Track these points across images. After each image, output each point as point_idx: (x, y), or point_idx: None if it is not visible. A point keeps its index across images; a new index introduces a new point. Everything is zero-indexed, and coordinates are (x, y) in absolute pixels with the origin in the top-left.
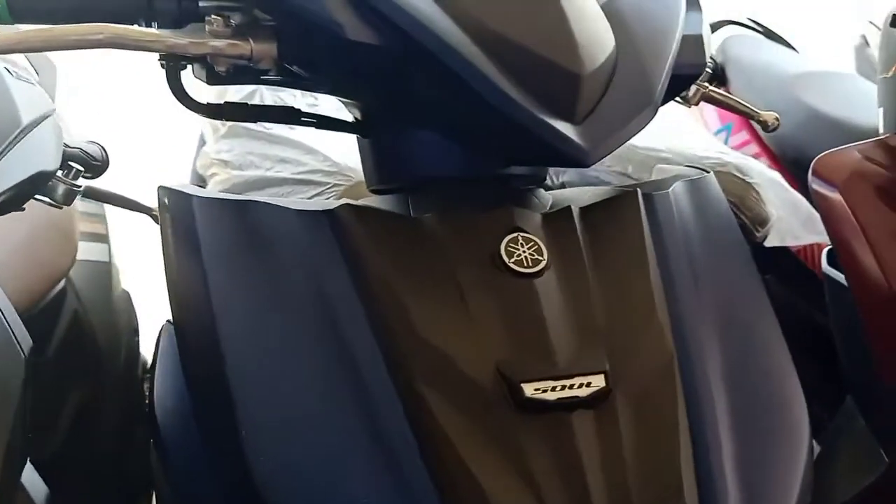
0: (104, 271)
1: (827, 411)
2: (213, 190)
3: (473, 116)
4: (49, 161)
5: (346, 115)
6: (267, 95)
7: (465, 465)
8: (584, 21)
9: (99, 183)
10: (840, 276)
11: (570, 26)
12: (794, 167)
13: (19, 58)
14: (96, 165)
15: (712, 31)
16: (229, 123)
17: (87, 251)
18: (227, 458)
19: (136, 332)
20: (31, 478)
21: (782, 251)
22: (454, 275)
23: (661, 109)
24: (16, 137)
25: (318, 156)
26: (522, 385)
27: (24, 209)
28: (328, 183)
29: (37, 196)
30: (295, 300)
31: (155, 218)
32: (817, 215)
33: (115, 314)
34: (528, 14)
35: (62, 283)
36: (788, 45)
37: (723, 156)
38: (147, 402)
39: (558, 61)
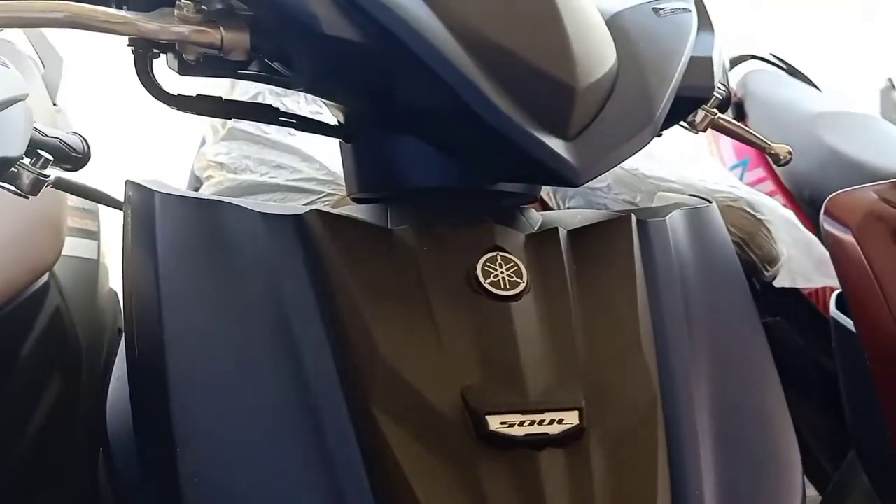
0: (91, 269)
1: (832, 462)
2: (206, 192)
3: (458, 125)
4: (13, 147)
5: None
6: (270, 99)
7: (416, 500)
8: (584, 32)
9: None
10: (848, 322)
11: (568, 36)
12: (810, 207)
13: (28, 49)
14: (76, 157)
15: (734, 65)
16: (229, 126)
17: (74, 247)
18: (162, 475)
19: (120, 331)
20: None
21: (792, 293)
22: (424, 292)
23: (675, 140)
24: None
25: (315, 164)
26: (487, 417)
27: None
28: (321, 192)
29: None
30: (249, 308)
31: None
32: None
33: (99, 312)
34: (523, 20)
35: (45, 277)
36: (811, 83)
37: (734, 190)
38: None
39: (552, 72)
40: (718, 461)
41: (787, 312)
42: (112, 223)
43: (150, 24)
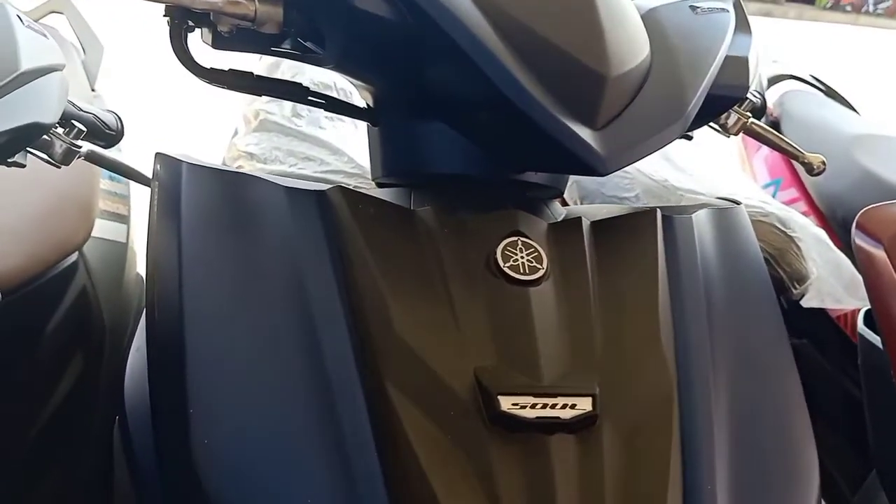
0: (119, 252)
1: (850, 487)
2: None
3: (486, 109)
4: (47, 114)
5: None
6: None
7: (425, 477)
8: (618, 22)
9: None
10: (876, 339)
11: (601, 25)
12: (842, 229)
13: (69, 34)
14: (110, 135)
15: (772, 84)
16: (261, 117)
17: (104, 229)
18: (174, 439)
19: None
20: None
21: (819, 314)
22: (443, 272)
23: (707, 153)
24: (11, 82)
25: (343, 156)
26: (499, 397)
27: (24, 166)
28: (349, 185)
29: (32, 150)
30: (268, 280)
31: None
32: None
33: (125, 295)
34: (557, 7)
35: (74, 257)
36: (849, 106)
37: (765, 205)
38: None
39: (584, 60)
40: (733, 462)
41: (814, 334)
42: (142, 208)
43: None
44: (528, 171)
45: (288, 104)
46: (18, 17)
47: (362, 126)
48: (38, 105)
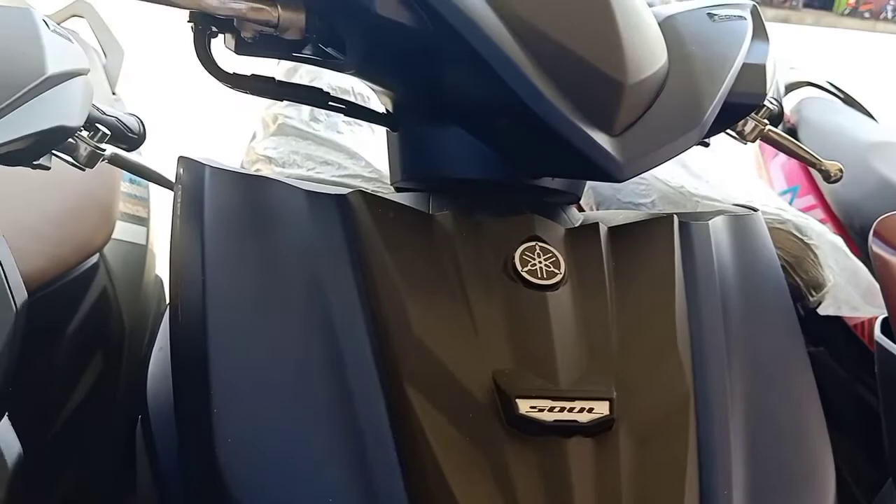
0: (139, 254)
1: (866, 494)
2: None
3: (503, 115)
4: (72, 118)
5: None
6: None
7: (443, 479)
8: (635, 29)
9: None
10: (893, 347)
11: (619, 32)
12: (859, 237)
13: (91, 39)
14: (132, 138)
15: (789, 90)
16: (280, 122)
17: (124, 231)
18: (198, 437)
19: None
20: (5, 434)
21: (836, 321)
22: (461, 276)
23: (725, 160)
24: (38, 86)
25: (360, 161)
26: (517, 400)
27: (48, 168)
28: (367, 188)
29: (57, 153)
30: (289, 282)
31: None
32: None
33: (144, 297)
34: (574, 14)
35: (95, 258)
36: (868, 114)
37: (782, 212)
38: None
39: (601, 66)
40: (749, 467)
41: (830, 342)
42: (161, 211)
43: None
44: (546, 177)
45: (306, 108)
46: (44, 21)
47: (379, 131)
48: (63, 108)
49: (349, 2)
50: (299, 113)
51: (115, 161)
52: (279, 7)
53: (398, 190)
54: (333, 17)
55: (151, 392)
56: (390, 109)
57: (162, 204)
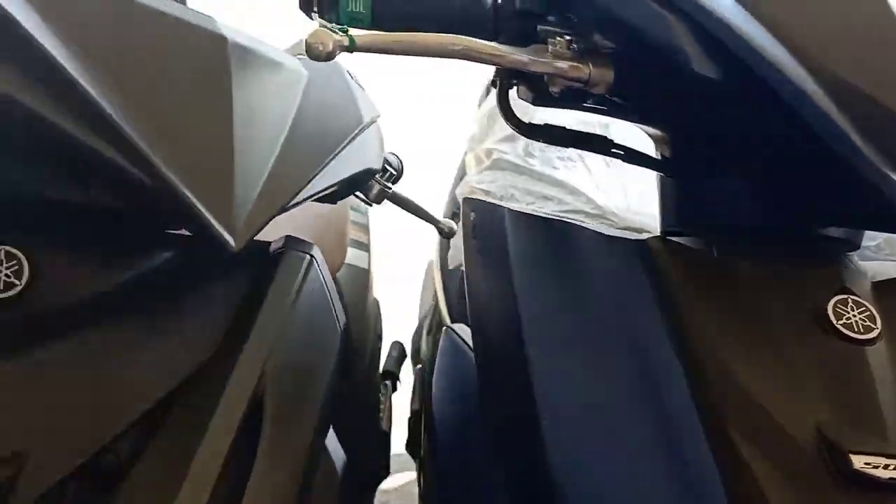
0: (363, 277)
1: None
2: None
3: (801, 165)
4: (375, 160)
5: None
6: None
7: None
8: None
9: None
10: None
11: None
12: None
13: None
14: (393, 174)
15: None
16: (494, 157)
17: (352, 257)
18: (518, 442)
19: (379, 338)
20: (332, 443)
21: None
22: (771, 326)
23: None
24: (356, 135)
25: (581, 197)
26: (851, 455)
27: (335, 202)
28: (590, 224)
29: (356, 192)
30: (601, 322)
31: (441, 231)
32: None
33: (366, 319)
34: (871, 59)
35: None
36: None
37: None
38: (419, 394)
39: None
40: None
41: None
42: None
43: (525, 57)
44: (831, 227)
45: (521, 143)
46: (348, 72)
47: (597, 167)
48: (368, 153)
49: (663, 60)
50: (514, 148)
51: (394, 199)
52: (591, 65)
53: (668, 234)
54: (642, 74)
55: (437, 408)
56: (667, 155)
57: (377, 229)
